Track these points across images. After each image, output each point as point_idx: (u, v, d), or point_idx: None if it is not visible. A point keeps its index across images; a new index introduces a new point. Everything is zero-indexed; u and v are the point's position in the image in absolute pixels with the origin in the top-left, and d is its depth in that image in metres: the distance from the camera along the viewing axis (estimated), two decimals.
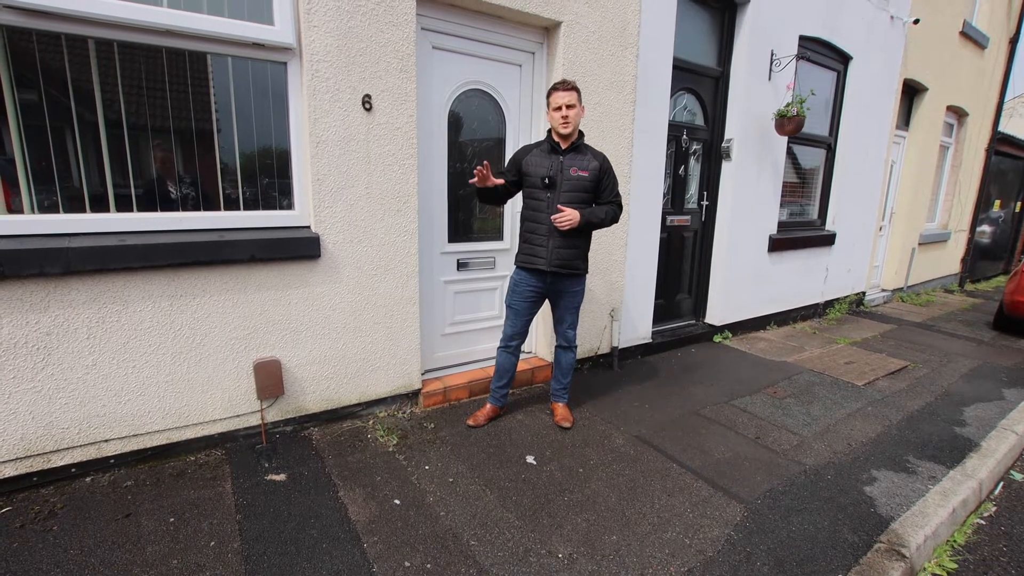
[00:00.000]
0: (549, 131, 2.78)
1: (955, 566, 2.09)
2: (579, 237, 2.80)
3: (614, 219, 2.82)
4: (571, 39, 3.30)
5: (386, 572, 1.84)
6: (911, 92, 6.81)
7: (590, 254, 2.92)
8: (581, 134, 2.77)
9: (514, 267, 2.91)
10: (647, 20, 3.70)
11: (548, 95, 2.70)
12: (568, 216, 2.65)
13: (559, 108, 2.63)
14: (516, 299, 2.88)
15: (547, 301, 2.98)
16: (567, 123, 2.64)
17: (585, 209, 2.72)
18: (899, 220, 7.19)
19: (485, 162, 2.60)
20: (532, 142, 3.08)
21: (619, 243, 3.85)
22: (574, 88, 2.64)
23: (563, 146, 2.73)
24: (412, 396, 3.16)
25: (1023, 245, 10.81)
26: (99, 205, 2.27)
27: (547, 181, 2.70)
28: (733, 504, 2.33)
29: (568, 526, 2.13)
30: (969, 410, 3.48)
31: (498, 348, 2.99)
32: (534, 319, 3.02)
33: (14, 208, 2.13)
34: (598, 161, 2.76)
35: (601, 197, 2.80)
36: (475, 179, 2.63)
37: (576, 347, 3.03)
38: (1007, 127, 10.51)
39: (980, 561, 2.14)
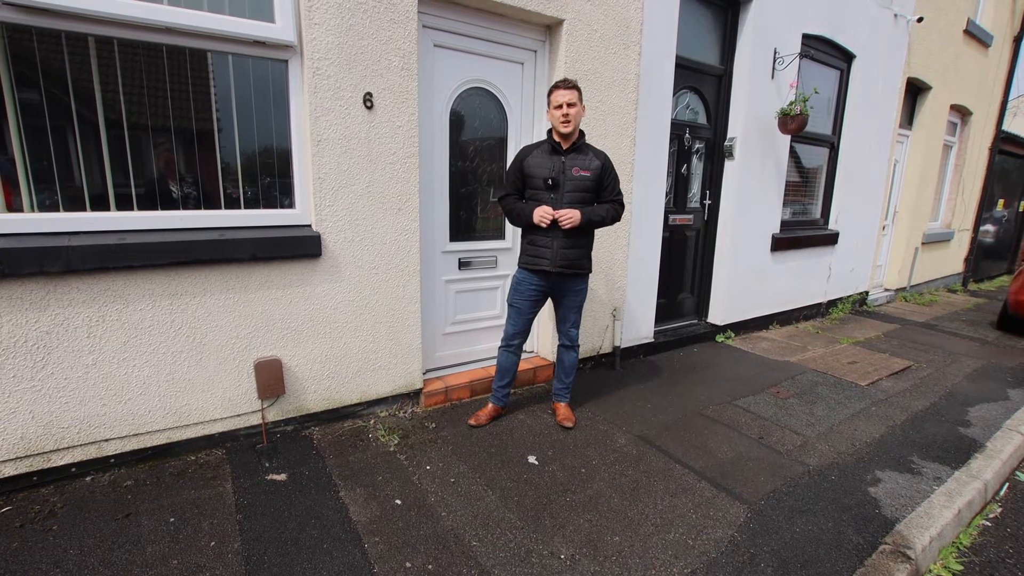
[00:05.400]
0: (549, 131, 2.76)
1: (961, 568, 2.08)
2: (583, 237, 2.78)
3: (615, 218, 2.81)
4: (573, 37, 3.28)
5: (387, 573, 1.83)
6: (914, 91, 6.78)
7: (592, 253, 2.90)
8: (582, 133, 2.75)
9: (517, 267, 2.90)
10: (650, 18, 3.68)
11: (549, 93, 2.68)
12: (570, 214, 2.64)
13: (560, 106, 2.61)
14: (518, 298, 2.87)
15: (550, 300, 2.97)
16: (568, 122, 2.62)
17: (586, 208, 2.70)
18: (902, 219, 7.16)
19: (549, 209, 2.66)
20: (532, 142, 3.07)
21: (621, 242, 3.83)
22: (575, 87, 2.62)
23: (564, 146, 2.71)
24: (413, 395, 3.14)
25: None
26: (99, 204, 2.26)
27: (550, 182, 2.68)
28: (736, 505, 2.31)
29: (570, 527, 2.12)
30: (974, 410, 3.46)
31: (499, 347, 2.98)
32: (536, 318, 3.00)
33: (14, 207, 2.12)
34: (600, 160, 2.74)
35: (602, 196, 2.78)
36: (546, 222, 2.66)
37: (579, 346, 3.01)
38: (1011, 126, 10.46)
39: (986, 563, 2.12)
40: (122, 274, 2.22)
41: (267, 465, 2.46)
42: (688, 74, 4.27)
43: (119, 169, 2.28)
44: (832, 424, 3.18)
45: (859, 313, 6.39)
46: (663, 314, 4.62)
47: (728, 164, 4.63)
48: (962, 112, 7.82)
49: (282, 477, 2.38)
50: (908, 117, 6.88)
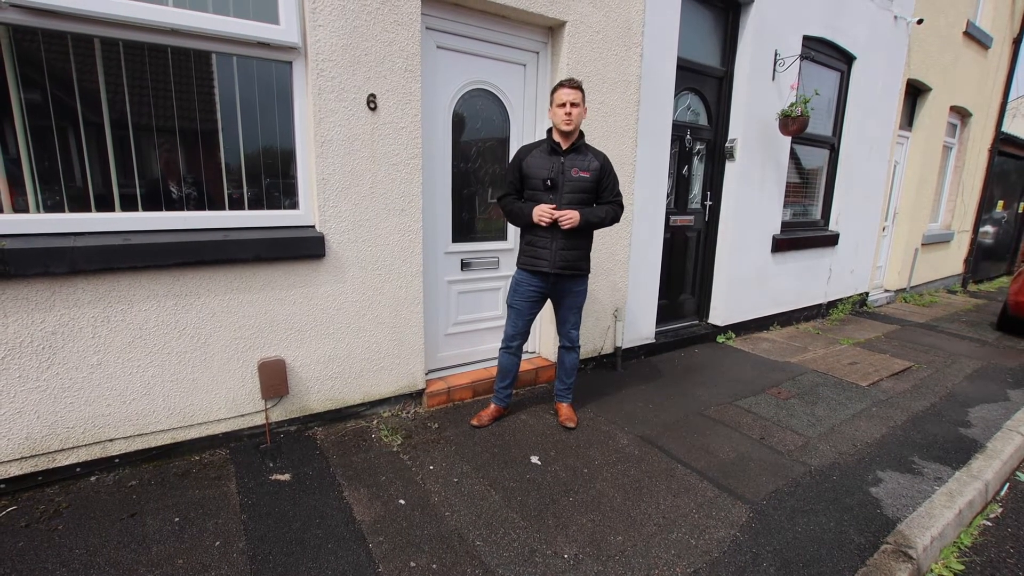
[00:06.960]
0: (549, 130, 2.77)
1: (962, 567, 2.09)
2: (582, 238, 2.78)
3: (614, 219, 2.81)
4: (575, 39, 3.30)
5: (391, 572, 1.84)
6: (914, 92, 6.79)
7: (593, 254, 2.91)
8: (581, 134, 2.76)
9: (516, 268, 2.91)
10: (651, 20, 3.70)
11: (553, 91, 2.69)
12: (570, 214, 2.65)
13: (563, 104, 2.61)
14: (517, 299, 2.87)
15: (549, 301, 2.97)
16: (569, 121, 2.62)
17: (585, 209, 2.70)
18: (902, 221, 7.18)
19: (552, 208, 2.66)
20: (531, 142, 3.07)
21: (622, 243, 3.84)
22: (580, 87, 2.63)
23: (564, 146, 2.71)
24: (416, 396, 3.15)
25: None
26: (104, 205, 2.26)
27: (549, 183, 2.69)
28: (739, 505, 2.32)
29: (573, 527, 2.13)
30: (974, 411, 3.47)
31: (500, 349, 2.99)
32: (537, 319, 3.01)
33: (19, 207, 2.12)
34: (599, 161, 2.74)
35: (602, 197, 2.78)
36: (546, 221, 2.66)
37: (579, 347, 3.02)
38: (1010, 127, 10.47)
39: (987, 563, 2.13)
40: (127, 275, 2.23)
41: (271, 465, 2.47)
42: (689, 76, 4.28)
43: (123, 170, 2.29)
44: (833, 424, 3.19)
45: (859, 314, 6.40)
46: (664, 315, 4.63)
47: (729, 165, 4.64)
48: (962, 113, 7.83)
49: (286, 477, 2.38)
50: (908, 118, 6.90)
